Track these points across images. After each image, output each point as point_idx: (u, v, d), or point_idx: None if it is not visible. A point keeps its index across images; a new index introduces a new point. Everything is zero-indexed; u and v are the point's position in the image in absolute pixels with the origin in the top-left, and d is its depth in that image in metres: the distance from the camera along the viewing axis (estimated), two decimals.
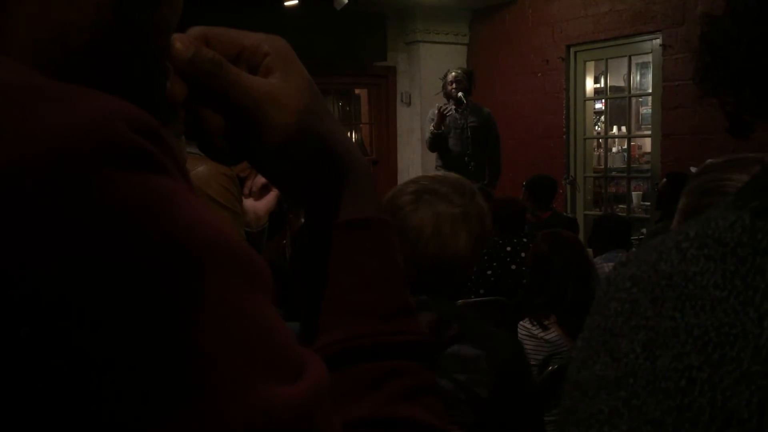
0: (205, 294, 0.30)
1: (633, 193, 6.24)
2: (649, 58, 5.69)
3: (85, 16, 0.37)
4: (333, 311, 0.49)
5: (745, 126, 0.38)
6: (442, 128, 5.25)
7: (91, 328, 0.27)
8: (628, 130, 6.46)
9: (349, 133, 7.75)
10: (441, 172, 1.55)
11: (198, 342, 0.29)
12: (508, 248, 3.67)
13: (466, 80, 5.47)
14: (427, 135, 5.40)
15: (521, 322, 2.86)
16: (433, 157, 5.77)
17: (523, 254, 3.54)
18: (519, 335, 2.85)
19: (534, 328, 2.75)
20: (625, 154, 6.49)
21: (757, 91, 0.36)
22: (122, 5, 0.38)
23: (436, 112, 5.25)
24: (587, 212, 6.14)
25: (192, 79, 0.45)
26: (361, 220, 0.51)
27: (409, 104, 6.90)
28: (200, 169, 2.10)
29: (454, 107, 5.37)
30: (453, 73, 5.43)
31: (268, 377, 0.31)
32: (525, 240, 3.64)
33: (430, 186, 1.39)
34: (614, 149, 7.47)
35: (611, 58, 6.00)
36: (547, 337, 2.67)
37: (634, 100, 6.50)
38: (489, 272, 3.58)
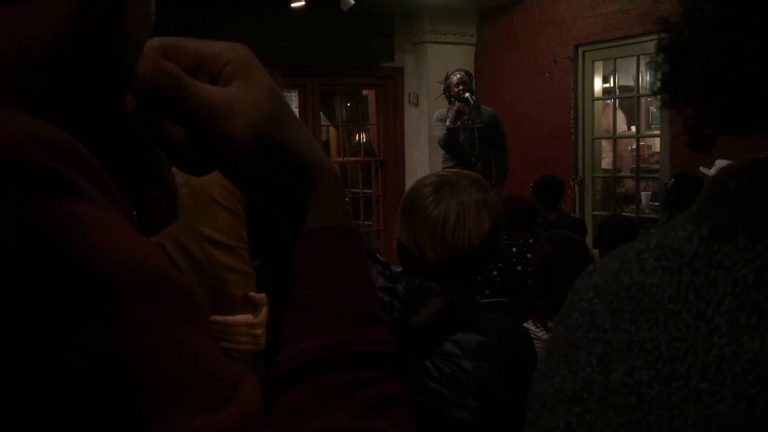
0: (114, 322, 0.29)
1: (642, 193, 6.20)
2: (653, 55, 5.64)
3: (42, 32, 0.36)
4: (299, 321, 0.49)
5: (707, 140, 0.37)
6: (458, 123, 5.26)
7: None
8: (637, 129, 6.42)
9: (357, 134, 7.75)
10: (456, 170, 1.61)
11: (98, 376, 0.28)
12: (514, 249, 3.66)
13: (470, 81, 5.48)
14: (441, 134, 5.39)
15: (525, 324, 2.85)
16: (440, 158, 5.77)
17: (528, 255, 3.53)
18: None
19: (538, 329, 2.74)
20: (634, 154, 6.44)
21: (717, 104, 0.35)
22: (81, 22, 0.38)
23: (455, 107, 5.25)
24: (596, 212, 6.10)
25: (151, 92, 0.45)
26: (327, 228, 0.50)
27: (416, 105, 6.89)
28: None
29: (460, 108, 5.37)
30: (458, 75, 5.43)
31: (188, 407, 0.30)
32: (531, 241, 3.63)
33: (448, 179, 1.46)
34: None
35: (620, 57, 5.96)
36: None
37: (643, 99, 6.46)
38: (494, 273, 3.56)
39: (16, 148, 0.29)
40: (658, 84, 0.37)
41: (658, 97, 0.37)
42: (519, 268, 3.60)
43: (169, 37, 0.47)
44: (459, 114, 5.25)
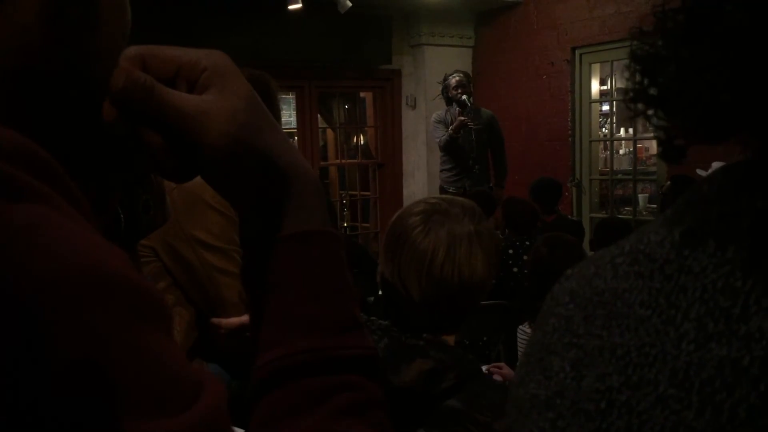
0: (71, 327, 0.29)
1: (639, 195, 6.21)
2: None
3: (12, 39, 0.36)
4: (278, 326, 0.49)
5: (678, 150, 0.37)
6: (461, 132, 5.29)
7: None
8: (635, 132, 6.43)
9: (354, 136, 7.76)
10: (447, 196, 1.43)
11: (52, 382, 0.28)
12: (510, 250, 3.66)
13: (469, 83, 5.49)
14: (442, 137, 5.40)
15: (521, 327, 2.85)
16: (437, 161, 5.78)
17: (525, 257, 3.54)
18: (518, 340, 2.84)
19: None
20: (632, 156, 6.46)
21: (685, 113, 0.35)
22: (52, 30, 0.38)
23: (459, 119, 5.26)
24: (593, 215, 6.11)
25: (126, 103, 0.45)
26: (305, 233, 0.50)
27: (414, 107, 6.89)
28: None
29: (458, 110, 5.39)
30: (456, 77, 5.44)
31: (151, 411, 0.30)
32: (528, 243, 3.63)
33: (439, 206, 1.31)
34: (621, 151, 7.44)
35: (617, 60, 5.97)
36: None
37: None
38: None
39: None
40: (632, 94, 0.37)
41: (631, 107, 0.37)
42: (515, 269, 3.61)
43: (147, 45, 0.48)
44: (462, 125, 5.26)
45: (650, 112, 0.37)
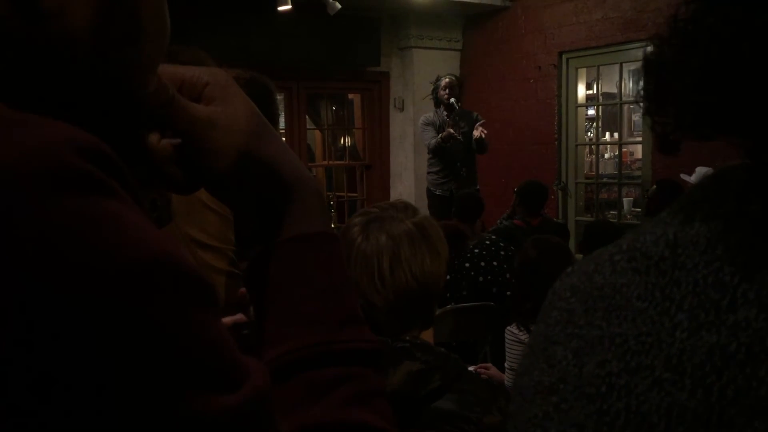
0: (143, 311, 0.32)
1: (624, 199, 6.28)
2: (640, 65, 5.71)
3: (60, 51, 0.39)
4: (283, 323, 0.52)
5: (672, 145, 0.40)
6: (450, 142, 5.34)
7: (33, 347, 0.29)
8: (620, 136, 6.50)
9: (342, 138, 7.78)
10: (382, 203, 1.46)
11: (132, 358, 0.31)
12: (482, 263, 3.63)
13: (458, 87, 5.54)
14: (430, 141, 5.45)
15: (508, 327, 2.88)
16: (424, 162, 5.82)
17: (494, 263, 3.55)
18: (506, 340, 2.88)
19: (521, 333, 2.78)
20: (617, 160, 6.53)
21: (678, 113, 0.38)
22: (98, 43, 0.40)
23: (449, 131, 5.31)
24: (579, 218, 6.17)
25: (152, 109, 0.47)
26: (307, 234, 0.53)
27: (402, 109, 6.93)
28: None
29: (445, 113, 5.43)
30: (446, 79, 5.49)
31: (205, 388, 0.34)
32: (494, 248, 3.63)
33: (374, 214, 1.36)
34: (606, 155, 7.52)
35: (603, 65, 6.04)
36: None
37: (626, 106, 6.54)
38: (463, 291, 3.55)
39: (59, 152, 0.32)
40: (645, 103, 0.40)
41: (641, 104, 0.41)
42: (489, 277, 3.59)
43: None
44: (451, 137, 5.30)
45: (653, 108, 0.40)
